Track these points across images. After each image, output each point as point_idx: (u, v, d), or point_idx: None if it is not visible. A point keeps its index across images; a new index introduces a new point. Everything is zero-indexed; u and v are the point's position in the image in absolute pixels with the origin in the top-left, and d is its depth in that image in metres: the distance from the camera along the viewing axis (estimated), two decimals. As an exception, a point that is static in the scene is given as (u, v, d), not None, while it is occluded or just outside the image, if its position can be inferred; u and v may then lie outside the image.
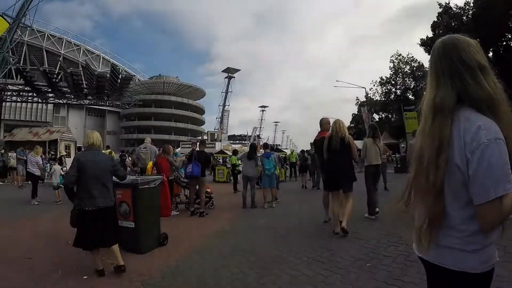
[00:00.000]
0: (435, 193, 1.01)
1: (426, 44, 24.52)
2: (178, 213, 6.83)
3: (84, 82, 24.40)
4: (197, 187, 6.60)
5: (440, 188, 1.01)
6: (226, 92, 58.17)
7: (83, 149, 3.65)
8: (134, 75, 52.18)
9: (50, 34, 55.55)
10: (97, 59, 60.39)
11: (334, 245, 4.01)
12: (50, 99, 27.22)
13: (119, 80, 24.11)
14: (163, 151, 6.64)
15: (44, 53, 51.73)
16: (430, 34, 24.42)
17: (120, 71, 34.08)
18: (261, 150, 8.39)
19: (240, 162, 9.61)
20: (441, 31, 21.22)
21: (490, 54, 20.37)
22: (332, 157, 4.51)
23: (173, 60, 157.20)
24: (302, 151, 13.82)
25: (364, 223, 5.16)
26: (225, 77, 58.11)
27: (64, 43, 57.13)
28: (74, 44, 58.92)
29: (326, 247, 3.94)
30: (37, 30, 53.25)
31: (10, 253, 4.05)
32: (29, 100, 28.27)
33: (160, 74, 68.70)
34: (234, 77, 58.83)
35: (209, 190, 7.40)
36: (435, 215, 1.03)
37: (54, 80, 23.42)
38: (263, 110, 72.51)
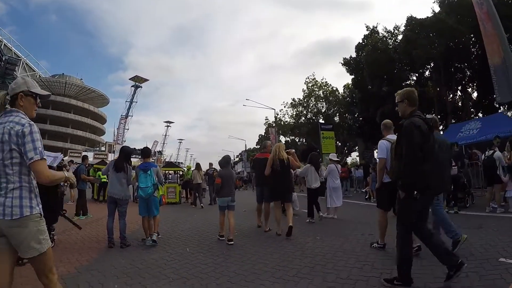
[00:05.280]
0: None
1: (349, 64, 25.77)
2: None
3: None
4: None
5: None
6: (131, 102, 55.71)
7: None
8: (20, 59, 44.19)
9: None
10: (-3, 45, 49.60)
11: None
12: None
13: (1, 63, 21.29)
14: None
15: None
16: (354, 55, 25.46)
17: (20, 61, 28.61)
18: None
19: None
20: (369, 51, 21.86)
21: (414, 78, 22.68)
22: (276, 174, 5.48)
23: (82, 63, 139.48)
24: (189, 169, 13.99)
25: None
26: (132, 86, 55.97)
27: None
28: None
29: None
30: None
31: None
32: None
33: (63, 73, 61.25)
34: (141, 87, 56.97)
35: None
36: None
37: None
38: (168, 126, 70.11)
